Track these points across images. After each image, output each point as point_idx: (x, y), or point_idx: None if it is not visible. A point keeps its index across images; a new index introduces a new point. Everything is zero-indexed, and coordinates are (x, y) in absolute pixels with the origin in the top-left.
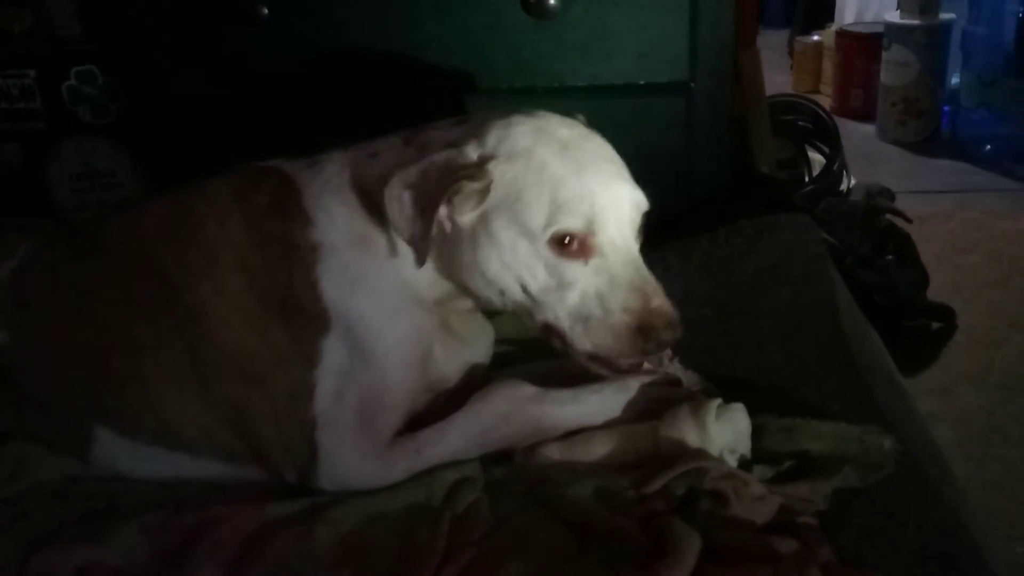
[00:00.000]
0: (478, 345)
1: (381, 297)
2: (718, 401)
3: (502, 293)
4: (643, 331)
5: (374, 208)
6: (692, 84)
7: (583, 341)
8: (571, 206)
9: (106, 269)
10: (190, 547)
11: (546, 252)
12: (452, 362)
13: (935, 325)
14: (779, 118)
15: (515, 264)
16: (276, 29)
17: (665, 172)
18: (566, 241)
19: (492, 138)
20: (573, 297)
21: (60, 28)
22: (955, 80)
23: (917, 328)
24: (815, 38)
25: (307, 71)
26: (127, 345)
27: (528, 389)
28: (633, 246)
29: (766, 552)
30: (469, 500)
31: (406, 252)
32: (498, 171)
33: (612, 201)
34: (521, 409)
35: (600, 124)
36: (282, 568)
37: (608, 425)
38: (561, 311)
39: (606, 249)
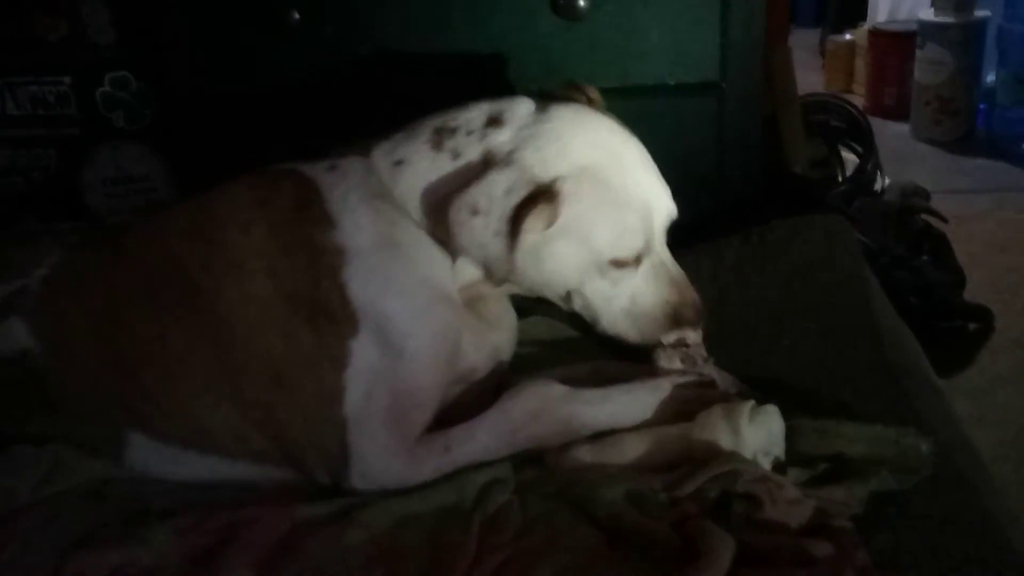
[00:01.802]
0: (503, 328)
1: (409, 296)
2: (751, 403)
3: (552, 294)
4: (676, 318)
5: (401, 213)
6: (723, 84)
7: (629, 331)
8: (635, 228)
9: (134, 276)
10: (223, 548)
11: (607, 267)
12: (480, 349)
13: (972, 326)
14: (812, 117)
15: (575, 277)
16: (307, 33)
17: (696, 173)
18: (621, 261)
19: (550, 151)
20: (623, 299)
21: (95, 35)
22: (990, 78)
23: (953, 329)
24: (847, 37)
25: (337, 75)
26: (156, 352)
27: (559, 388)
28: (665, 246)
29: (801, 556)
30: (500, 502)
31: (433, 252)
32: (566, 191)
33: (659, 210)
34: (551, 408)
35: (631, 125)
36: (314, 569)
37: (640, 427)
38: (612, 309)
39: (652, 254)
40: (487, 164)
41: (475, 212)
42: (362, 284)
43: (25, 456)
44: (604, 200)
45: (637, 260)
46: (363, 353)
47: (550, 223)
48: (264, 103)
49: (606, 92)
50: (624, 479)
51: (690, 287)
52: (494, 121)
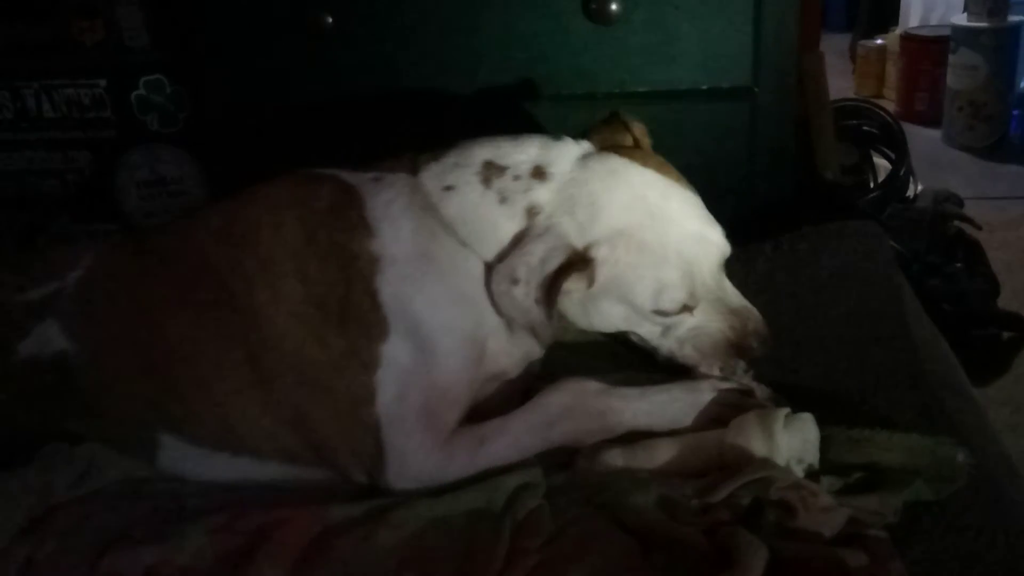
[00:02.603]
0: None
1: (440, 301)
2: (786, 410)
3: (605, 335)
4: (740, 347)
5: (445, 229)
6: (756, 89)
7: (690, 357)
8: (675, 283)
9: (166, 278)
10: (255, 549)
11: (654, 317)
12: (511, 354)
13: (1006, 334)
14: (843, 123)
15: (623, 326)
16: (339, 38)
17: (728, 178)
18: (668, 311)
19: (585, 216)
20: (681, 332)
21: (130, 39)
22: None
23: (987, 337)
24: (878, 42)
25: (369, 79)
26: (188, 353)
27: (594, 384)
28: (724, 279)
29: (835, 565)
30: (531, 506)
31: (470, 266)
32: (601, 256)
33: (705, 254)
34: (587, 403)
35: (663, 130)
36: (344, 571)
37: (673, 432)
38: (669, 344)
39: (706, 296)
40: (529, 216)
41: (515, 282)
42: (394, 291)
43: (61, 454)
44: (641, 261)
45: (685, 309)
46: (393, 357)
47: (588, 286)
48: (297, 106)
49: (638, 96)
50: (656, 484)
51: (754, 316)
52: (539, 173)
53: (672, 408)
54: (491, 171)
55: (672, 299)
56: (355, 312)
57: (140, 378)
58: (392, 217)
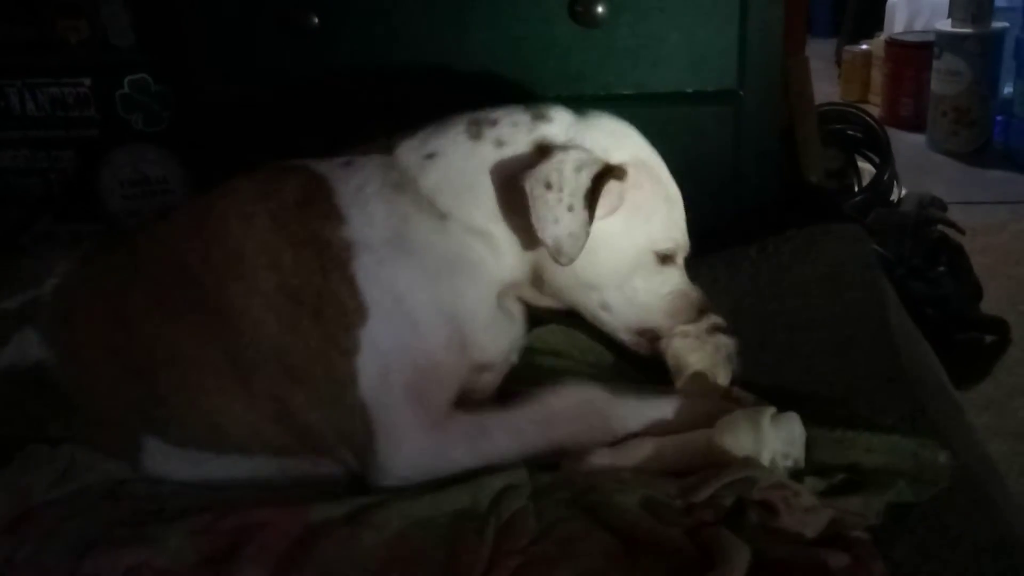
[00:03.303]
0: (515, 324)
1: (421, 279)
2: (773, 409)
3: (589, 297)
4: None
5: (422, 207)
6: (741, 92)
7: (665, 321)
8: (679, 223)
9: (140, 280)
10: (237, 550)
11: (651, 262)
12: (496, 342)
13: (988, 338)
14: (828, 127)
15: (624, 270)
16: (326, 38)
17: (713, 181)
18: (665, 256)
19: (607, 142)
20: (665, 290)
21: (115, 38)
22: (1008, 89)
23: (970, 341)
24: (863, 47)
25: (356, 80)
26: (166, 355)
27: (598, 389)
28: None
29: (817, 566)
30: (515, 507)
31: (451, 243)
32: (631, 175)
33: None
34: (592, 407)
35: (648, 132)
36: (327, 572)
37: (661, 432)
38: (650, 302)
39: (684, 250)
40: (542, 151)
41: (548, 186)
42: (372, 275)
43: (40, 455)
44: (658, 192)
45: (675, 257)
46: (373, 340)
47: (617, 205)
48: (283, 107)
49: (623, 99)
50: (640, 485)
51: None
52: (540, 116)
53: (678, 416)
54: (480, 125)
55: (676, 237)
56: (332, 299)
57: (120, 383)
58: (361, 203)
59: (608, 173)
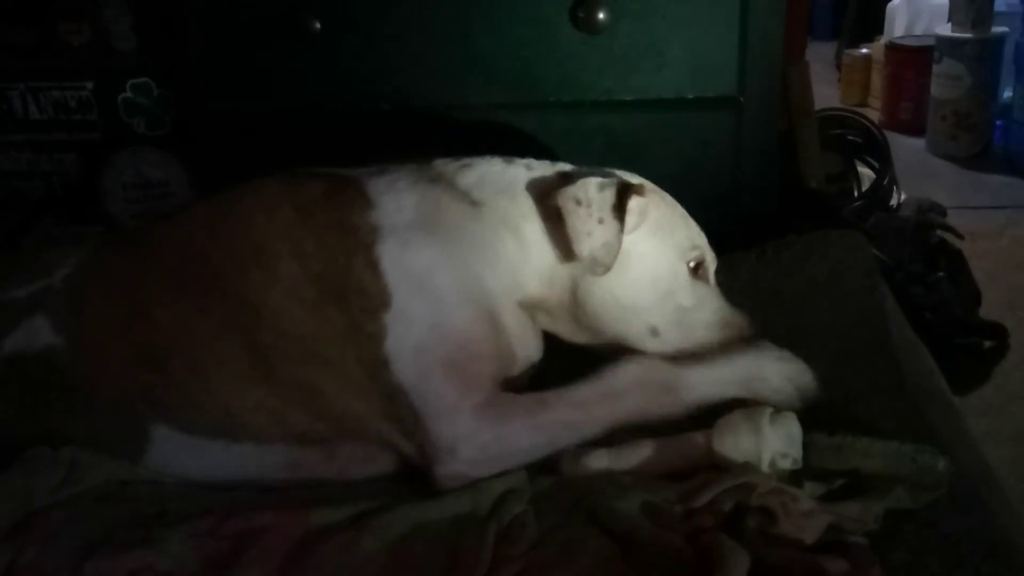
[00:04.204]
0: (537, 336)
1: (446, 262)
2: (771, 408)
3: (634, 323)
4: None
5: (457, 197)
6: (741, 99)
7: (709, 342)
8: (700, 236)
9: (156, 269)
10: (238, 554)
11: (686, 276)
12: (523, 337)
13: (987, 343)
14: (828, 132)
15: (661, 289)
16: (327, 43)
17: (713, 187)
18: (696, 265)
19: (618, 173)
20: (707, 312)
21: (117, 41)
22: (1007, 94)
23: (969, 346)
24: (864, 51)
25: (357, 85)
26: (183, 342)
27: (660, 360)
28: None
29: (815, 571)
30: (515, 512)
31: (481, 228)
32: (648, 195)
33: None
34: (658, 376)
35: (648, 138)
36: None
37: (659, 433)
38: (694, 321)
39: (713, 269)
40: (564, 177)
41: (578, 203)
42: (396, 258)
43: (42, 458)
44: (675, 210)
45: (704, 276)
46: (400, 324)
47: (642, 218)
48: (284, 111)
49: (624, 105)
50: (639, 489)
51: (736, 311)
52: (562, 173)
53: (741, 376)
54: (512, 159)
55: (700, 247)
56: (356, 284)
57: (133, 369)
58: (395, 191)
59: (629, 189)
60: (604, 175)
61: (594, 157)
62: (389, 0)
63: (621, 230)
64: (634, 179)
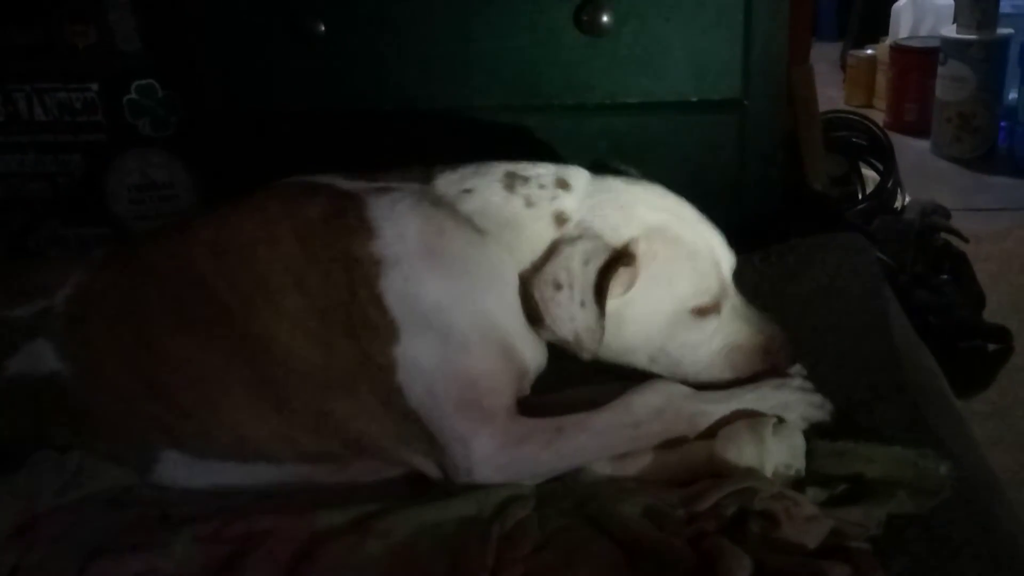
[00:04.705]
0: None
1: (452, 292)
2: (774, 419)
3: (636, 359)
4: (767, 354)
5: (459, 222)
6: (745, 102)
7: (724, 372)
8: (708, 273)
9: (160, 296)
10: (242, 557)
11: (689, 319)
12: (532, 350)
13: (991, 346)
14: (832, 134)
15: (660, 334)
16: (331, 45)
17: (717, 189)
18: (702, 307)
19: (617, 218)
20: (714, 343)
21: (122, 43)
22: (1012, 95)
23: (973, 349)
24: (869, 52)
25: (361, 87)
26: (190, 374)
27: (681, 387)
28: (737, 292)
29: None
30: (519, 516)
31: (485, 257)
32: (641, 252)
33: (724, 259)
34: (678, 406)
35: (653, 141)
36: None
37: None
38: (701, 356)
39: (730, 297)
40: (559, 223)
41: (558, 287)
42: (400, 292)
43: (48, 461)
44: (678, 254)
45: (717, 306)
46: (409, 357)
47: (630, 285)
48: (288, 112)
49: (628, 108)
50: (642, 494)
51: (775, 329)
52: (562, 183)
53: (762, 407)
54: (514, 179)
55: (708, 290)
56: (362, 318)
57: (139, 397)
58: (396, 216)
59: (615, 263)
60: (595, 233)
61: (598, 160)
62: (393, 2)
63: (602, 315)
64: (635, 214)
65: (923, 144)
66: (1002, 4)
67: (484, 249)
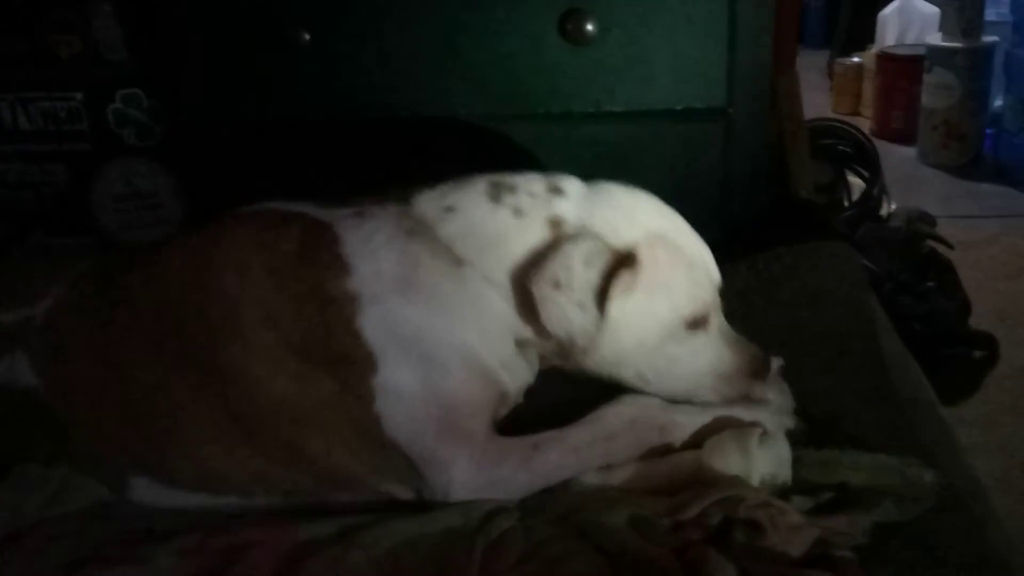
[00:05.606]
0: (533, 366)
1: (431, 324)
2: (760, 429)
3: (625, 372)
4: (753, 372)
5: (437, 253)
6: (730, 110)
7: (710, 394)
8: (704, 283)
9: (133, 321)
10: (226, 570)
11: (681, 331)
12: (514, 374)
13: (977, 354)
14: (818, 142)
15: (652, 345)
16: (317, 55)
17: (702, 198)
18: (695, 319)
19: (618, 220)
20: (702, 361)
21: (107, 52)
22: (998, 103)
23: (958, 357)
24: (855, 60)
25: (346, 97)
26: (160, 403)
27: (655, 400)
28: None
29: None
30: (504, 526)
31: (466, 292)
32: (644, 255)
33: (714, 271)
34: (650, 417)
35: (637, 149)
36: None
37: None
38: (690, 374)
39: (718, 315)
40: (555, 228)
41: (557, 286)
42: (378, 327)
43: (32, 475)
44: (678, 261)
45: (707, 320)
46: (389, 388)
47: (629, 290)
48: (273, 122)
49: (612, 116)
50: (627, 504)
51: (754, 350)
52: (555, 189)
53: (733, 417)
54: (499, 190)
55: (703, 299)
56: (339, 352)
57: (109, 422)
58: (371, 250)
59: (619, 265)
60: (595, 233)
61: (583, 168)
62: (378, 11)
63: (601, 318)
64: (635, 219)
65: (909, 151)
66: (987, 12)
67: (462, 283)
